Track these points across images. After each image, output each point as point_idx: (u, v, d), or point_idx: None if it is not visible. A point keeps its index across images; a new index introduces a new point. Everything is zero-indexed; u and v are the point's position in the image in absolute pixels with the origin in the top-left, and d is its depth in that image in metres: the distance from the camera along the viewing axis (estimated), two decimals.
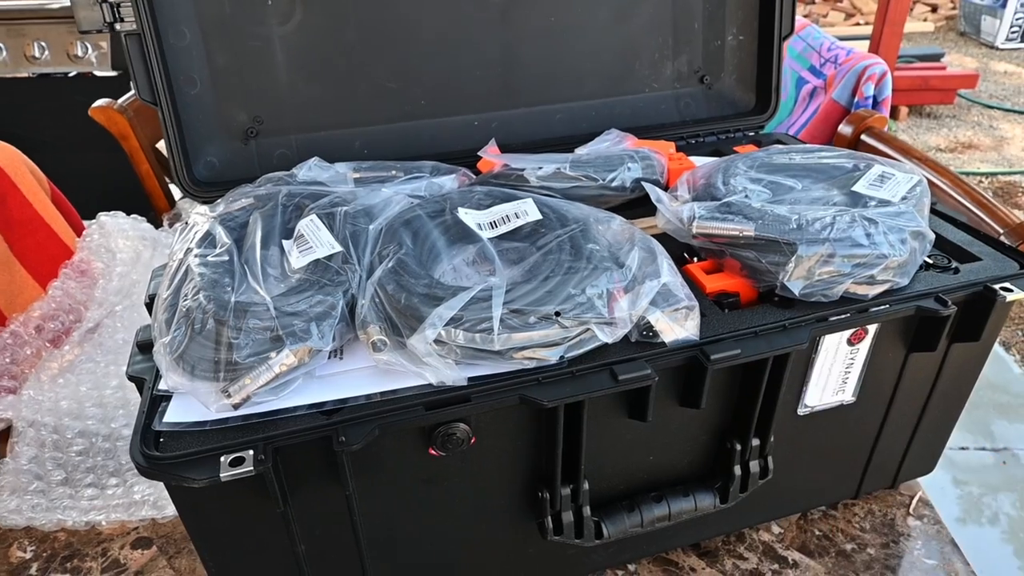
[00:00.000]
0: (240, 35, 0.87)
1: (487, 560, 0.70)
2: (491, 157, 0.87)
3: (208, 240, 0.63)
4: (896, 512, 0.82)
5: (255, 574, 0.62)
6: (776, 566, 0.76)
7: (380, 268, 0.60)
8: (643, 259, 0.61)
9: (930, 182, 0.89)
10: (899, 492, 0.85)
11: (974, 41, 5.77)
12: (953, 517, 1.77)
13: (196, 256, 0.61)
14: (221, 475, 0.50)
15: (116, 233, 1.14)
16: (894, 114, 4.30)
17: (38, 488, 0.84)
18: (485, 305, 0.55)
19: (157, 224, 1.23)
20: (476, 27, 0.95)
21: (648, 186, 0.75)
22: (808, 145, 0.84)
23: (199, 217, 0.68)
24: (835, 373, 0.69)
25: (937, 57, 4.67)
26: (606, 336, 0.57)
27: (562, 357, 0.57)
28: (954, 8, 6.19)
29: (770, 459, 0.71)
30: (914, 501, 0.84)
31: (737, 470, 0.70)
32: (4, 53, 1.97)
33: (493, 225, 0.67)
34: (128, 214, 1.18)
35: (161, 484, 0.83)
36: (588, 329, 0.57)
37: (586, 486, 0.65)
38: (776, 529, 0.81)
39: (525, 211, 0.68)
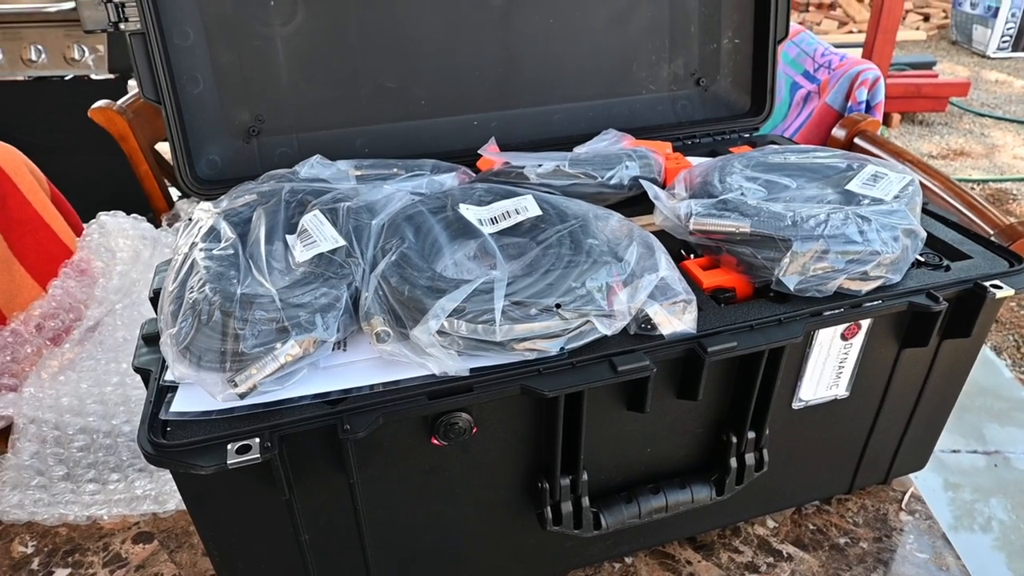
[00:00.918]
0: (243, 35, 0.88)
1: (487, 549, 0.71)
2: (491, 155, 0.88)
3: (213, 235, 0.64)
4: (888, 507, 0.84)
5: (259, 562, 0.62)
6: (771, 559, 0.78)
7: (383, 261, 0.61)
8: (641, 254, 0.63)
9: (922, 184, 0.91)
10: (891, 488, 0.86)
11: (966, 50, 5.82)
12: (946, 524, 1.78)
13: (201, 250, 0.62)
14: (228, 462, 0.51)
15: (116, 232, 1.15)
16: (887, 121, 4.34)
17: (40, 483, 0.84)
18: (487, 297, 0.56)
19: (156, 225, 1.24)
20: (476, 29, 0.97)
21: (646, 184, 0.76)
22: (803, 145, 0.85)
23: (203, 213, 0.68)
24: (829, 368, 0.71)
25: (929, 65, 4.72)
26: (605, 328, 0.58)
27: (562, 348, 0.58)
28: (946, 17, 6.25)
29: (765, 452, 0.72)
30: (906, 497, 0.85)
31: (733, 462, 0.71)
32: (1, 56, 1.97)
33: (494, 221, 0.68)
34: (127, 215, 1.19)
35: (162, 479, 0.84)
36: (588, 321, 0.58)
37: (585, 477, 0.66)
38: (771, 523, 0.82)
39: (525, 207, 0.69)
